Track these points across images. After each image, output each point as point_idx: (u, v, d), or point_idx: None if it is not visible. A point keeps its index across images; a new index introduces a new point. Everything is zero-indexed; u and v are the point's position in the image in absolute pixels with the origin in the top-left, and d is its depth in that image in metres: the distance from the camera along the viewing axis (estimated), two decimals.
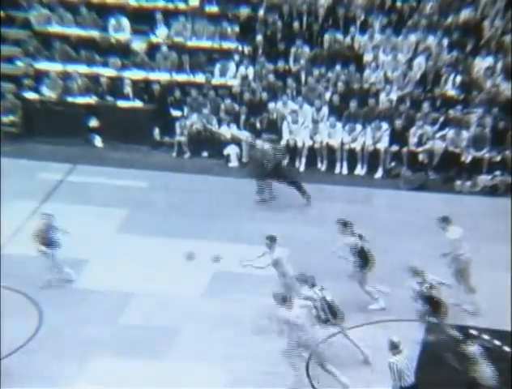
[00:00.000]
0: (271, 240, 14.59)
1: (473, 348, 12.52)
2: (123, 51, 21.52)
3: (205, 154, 20.23)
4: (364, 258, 14.77)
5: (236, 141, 20.06)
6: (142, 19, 21.89)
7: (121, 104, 20.65)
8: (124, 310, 15.17)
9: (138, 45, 21.61)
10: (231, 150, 20.07)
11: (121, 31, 21.80)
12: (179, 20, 21.71)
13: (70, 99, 20.74)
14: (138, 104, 20.69)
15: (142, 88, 20.89)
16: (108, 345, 14.35)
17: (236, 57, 21.18)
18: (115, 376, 13.68)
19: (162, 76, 21.07)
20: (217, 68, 21.18)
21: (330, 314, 13.67)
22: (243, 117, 20.30)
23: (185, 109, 20.55)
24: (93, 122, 20.35)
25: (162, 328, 14.64)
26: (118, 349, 14.24)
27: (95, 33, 21.79)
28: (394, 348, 12.25)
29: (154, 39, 21.67)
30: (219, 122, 20.40)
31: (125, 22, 21.84)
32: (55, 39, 21.66)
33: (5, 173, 18.70)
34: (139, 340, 14.47)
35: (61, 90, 20.91)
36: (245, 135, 19.93)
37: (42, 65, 21.34)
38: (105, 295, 15.41)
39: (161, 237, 16.83)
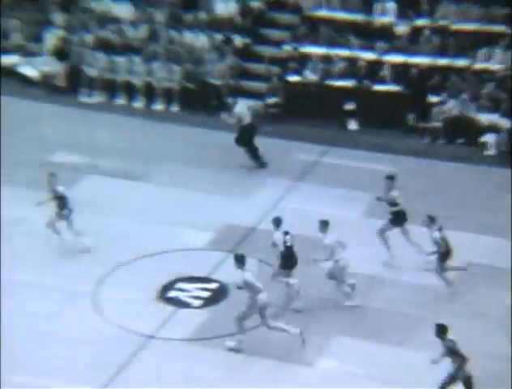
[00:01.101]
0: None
1: None
2: (385, 35, 21.60)
3: (460, 141, 19.88)
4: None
5: (495, 129, 19.51)
6: (408, 3, 21.79)
7: (378, 88, 20.82)
8: (369, 294, 15.23)
9: (402, 29, 21.59)
10: (488, 138, 19.52)
11: (385, 14, 21.89)
12: (444, 3, 21.40)
13: (329, 82, 21.24)
14: (395, 88, 20.75)
15: (401, 73, 20.87)
16: (352, 326, 14.54)
17: (505, 41, 20.47)
18: (357, 357, 13.88)
19: (422, 61, 20.92)
20: (481, 52, 20.62)
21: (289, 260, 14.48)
22: (505, 105, 19.67)
23: (443, 95, 20.29)
24: (349, 106, 20.67)
25: (409, 315, 14.57)
26: (361, 331, 14.40)
27: (360, 17, 22.04)
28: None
29: (418, 23, 21.54)
30: (478, 109, 19.90)
31: (391, 6, 21.89)
32: (321, 23, 22.21)
33: (264, 152, 19.49)
34: (383, 325, 14.51)
35: (322, 73, 21.45)
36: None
37: (307, 49, 22.00)
38: (352, 277, 15.44)
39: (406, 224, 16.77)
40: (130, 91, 21.95)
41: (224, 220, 17.08)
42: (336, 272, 14.92)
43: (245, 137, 19.10)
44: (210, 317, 14.74)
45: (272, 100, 21.44)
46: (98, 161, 19.15)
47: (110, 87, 22.03)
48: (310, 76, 21.54)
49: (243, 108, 19.37)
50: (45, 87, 22.29)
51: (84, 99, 22.05)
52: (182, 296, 15.25)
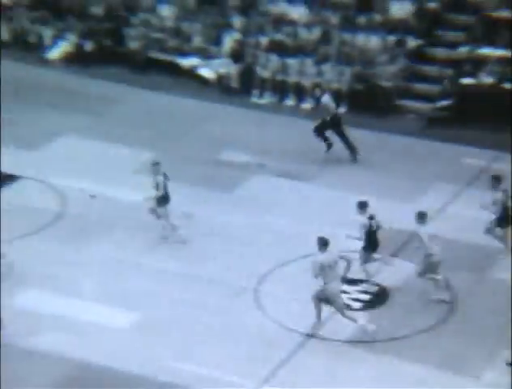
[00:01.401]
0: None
1: None
2: None
3: None
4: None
5: None
6: None
7: None
8: None
9: None
10: None
11: None
12: None
13: (506, 85, 20.51)
14: None
15: None
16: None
17: None
18: None
19: None
20: None
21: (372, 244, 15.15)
22: None
23: None
24: None
25: None
26: None
27: None
28: None
29: None
30: None
31: None
32: (502, 24, 21.50)
33: (430, 156, 19.26)
34: None
35: (499, 76, 20.77)
36: None
37: (484, 50, 21.37)
38: None
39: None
40: (300, 92, 22.17)
41: (387, 224, 16.88)
42: (428, 266, 14.88)
43: (326, 127, 19.37)
44: (368, 320, 14.59)
45: (443, 103, 21.00)
46: (265, 161, 19.43)
47: (281, 89, 22.33)
48: (486, 79, 20.93)
49: (330, 99, 19.53)
50: (220, 88, 22.87)
51: (256, 100, 22.46)
52: (342, 297, 15.20)
